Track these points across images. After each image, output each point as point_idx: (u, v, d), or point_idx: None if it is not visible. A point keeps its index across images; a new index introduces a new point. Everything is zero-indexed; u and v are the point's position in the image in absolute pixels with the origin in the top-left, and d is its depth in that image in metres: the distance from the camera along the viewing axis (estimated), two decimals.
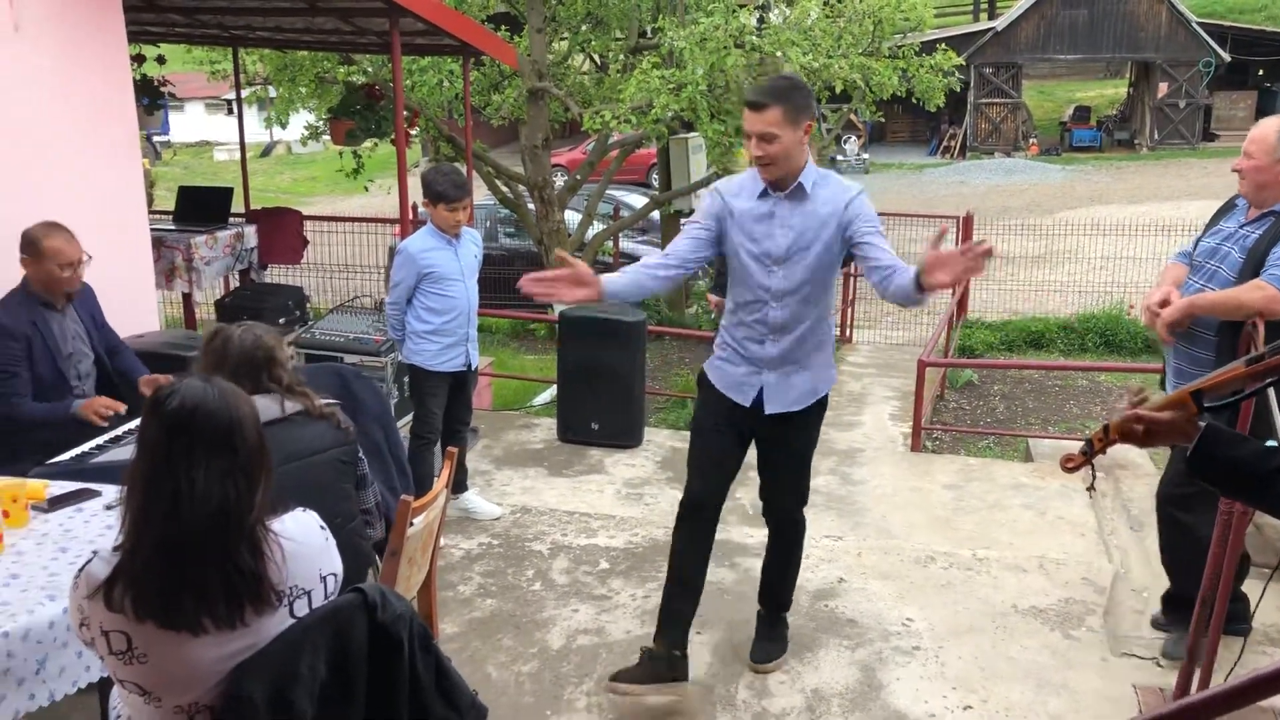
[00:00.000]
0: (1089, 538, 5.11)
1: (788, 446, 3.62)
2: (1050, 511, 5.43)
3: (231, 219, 7.69)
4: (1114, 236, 13.21)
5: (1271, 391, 2.87)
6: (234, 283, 7.90)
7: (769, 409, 3.51)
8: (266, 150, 31.87)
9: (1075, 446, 6.55)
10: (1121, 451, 6.55)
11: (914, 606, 4.31)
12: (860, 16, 9.66)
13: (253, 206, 8.34)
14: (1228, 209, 3.74)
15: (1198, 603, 3.42)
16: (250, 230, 7.67)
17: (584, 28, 10.67)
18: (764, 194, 3.39)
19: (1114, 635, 4.08)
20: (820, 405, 3.61)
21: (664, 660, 3.52)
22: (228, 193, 7.71)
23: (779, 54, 8.47)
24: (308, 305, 7.60)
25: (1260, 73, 28.34)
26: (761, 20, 10.13)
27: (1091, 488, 2.93)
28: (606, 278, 3.30)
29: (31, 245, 3.95)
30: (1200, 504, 3.55)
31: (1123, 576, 4.62)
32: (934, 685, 3.75)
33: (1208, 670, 3.26)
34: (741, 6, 9.13)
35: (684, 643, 3.60)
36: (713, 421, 3.60)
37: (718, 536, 3.90)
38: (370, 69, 9.57)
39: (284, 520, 2.12)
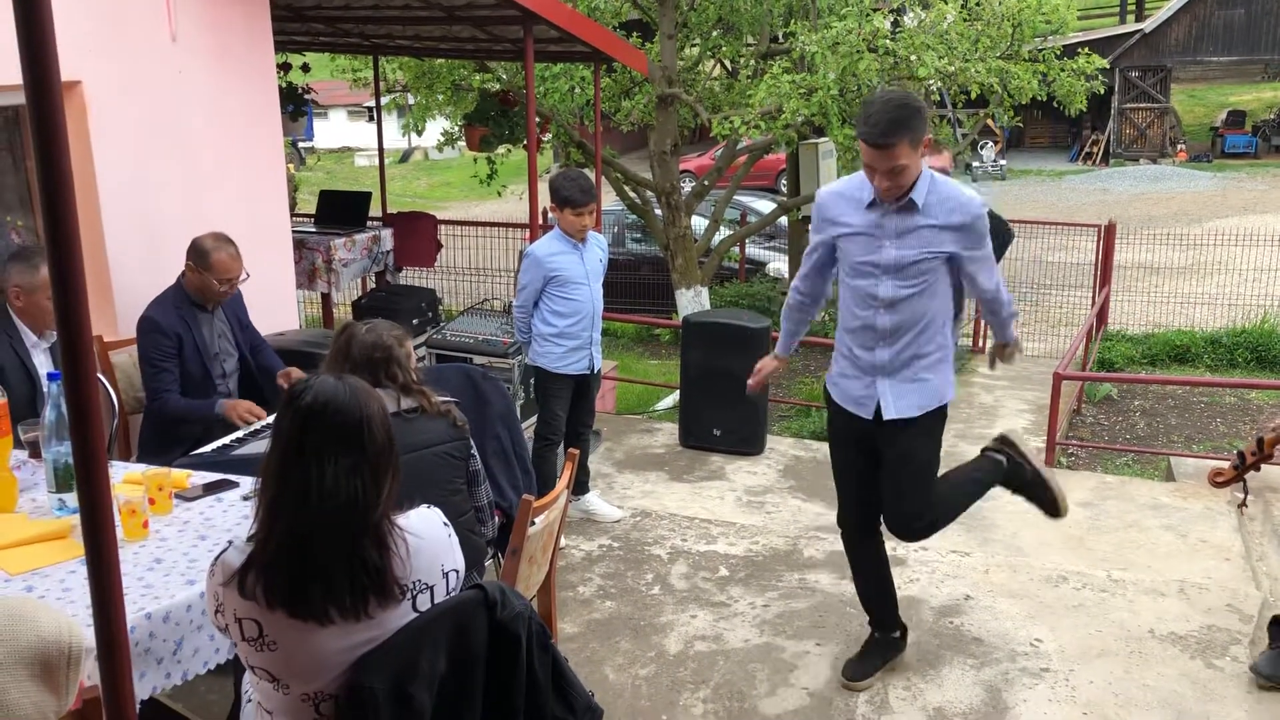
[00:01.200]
0: (1235, 562, 4.86)
1: (902, 452, 3.53)
2: (1193, 534, 5.18)
3: (369, 222, 7.94)
4: (1268, 247, 12.55)
5: None
6: (370, 284, 8.14)
7: (887, 415, 3.48)
8: (405, 156, 32.82)
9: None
10: (1275, 473, 6.22)
11: (1044, 627, 4.16)
12: (999, 19, 9.40)
13: (389, 211, 8.59)
14: None
15: None
16: (386, 233, 7.90)
17: (715, 33, 10.66)
18: (873, 204, 3.35)
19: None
20: (939, 414, 3.55)
21: (883, 643, 3.83)
22: (366, 197, 7.96)
23: (913, 58, 8.31)
24: (440, 307, 7.79)
25: None
26: (896, 24, 9.95)
27: (1243, 505, 2.80)
28: (782, 345, 3.90)
29: (200, 256, 4.10)
30: None
31: (1272, 604, 4.37)
32: (1063, 709, 3.61)
33: None
34: (875, 10, 8.98)
35: (898, 624, 3.87)
36: (842, 438, 3.71)
37: (840, 548, 3.89)
38: (504, 76, 9.75)
39: (409, 516, 2.17)
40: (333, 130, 36.73)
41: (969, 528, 5.26)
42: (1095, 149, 28.36)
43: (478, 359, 5.77)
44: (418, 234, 8.18)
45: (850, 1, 9.00)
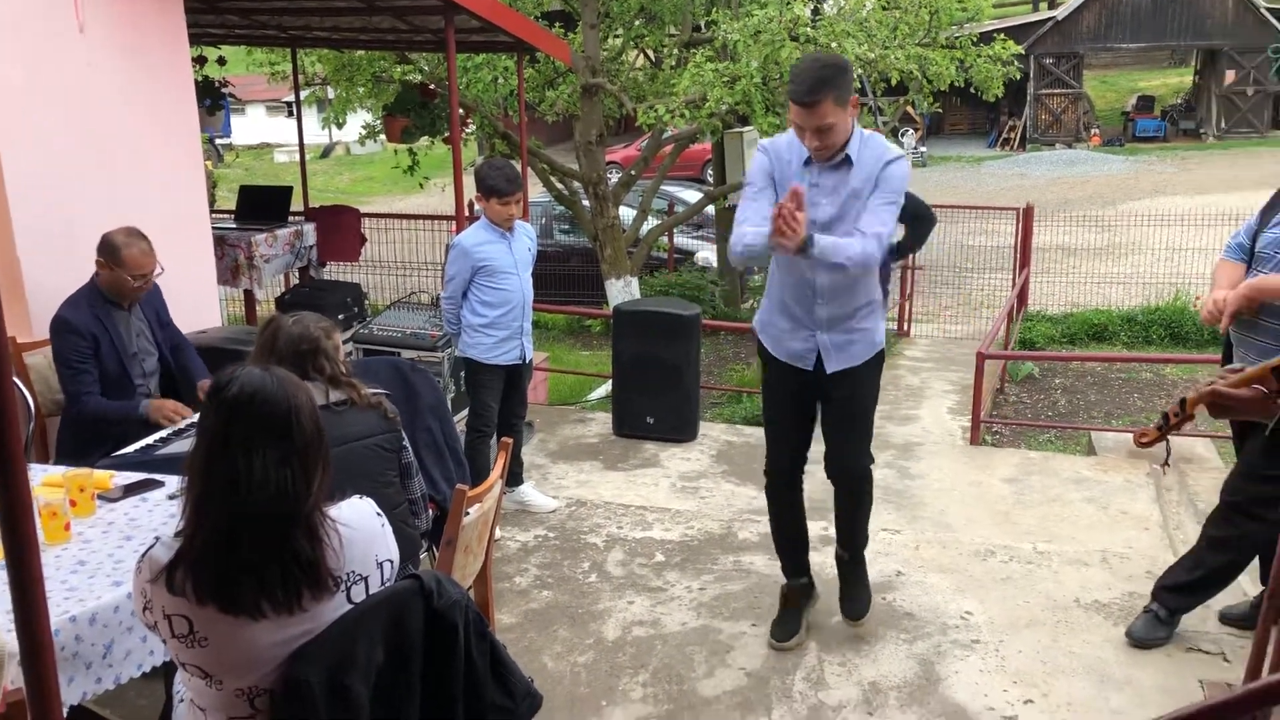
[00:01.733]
0: (1153, 532, 5.01)
1: (847, 401, 3.67)
2: (1113, 506, 5.32)
3: (291, 217, 7.80)
4: (1179, 227, 12.93)
5: None
6: (294, 280, 8.01)
7: (830, 368, 3.58)
8: (326, 152, 32.32)
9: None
10: (1188, 445, 6.42)
11: (973, 600, 4.26)
12: (916, 6, 9.55)
13: (312, 205, 8.46)
14: None
15: (1266, 595, 3.34)
16: (309, 228, 7.78)
17: (637, 23, 10.66)
18: (808, 163, 3.41)
19: (1179, 630, 3.99)
20: (879, 358, 3.68)
21: (797, 592, 3.94)
22: (287, 191, 7.83)
23: (834, 45, 8.39)
24: (365, 302, 7.69)
25: None
26: (816, 11, 10.04)
27: (1166, 464, 2.90)
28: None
29: (111, 252, 3.99)
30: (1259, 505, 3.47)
31: None
32: (994, 679, 3.69)
33: (1278, 663, 3.17)
34: None
35: (807, 570, 3.99)
36: (779, 388, 3.75)
37: (768, 530, 3.94)
38: (426, 67, 9.65)
39: (340, 507, 2.14)
40: (250, 126, 36.02)
41: (898, 506, 5.35)
42: (1012, 135, 28.95)
43: (406, 353, 5.71)
44: (341, 228, 8.07)
45: None
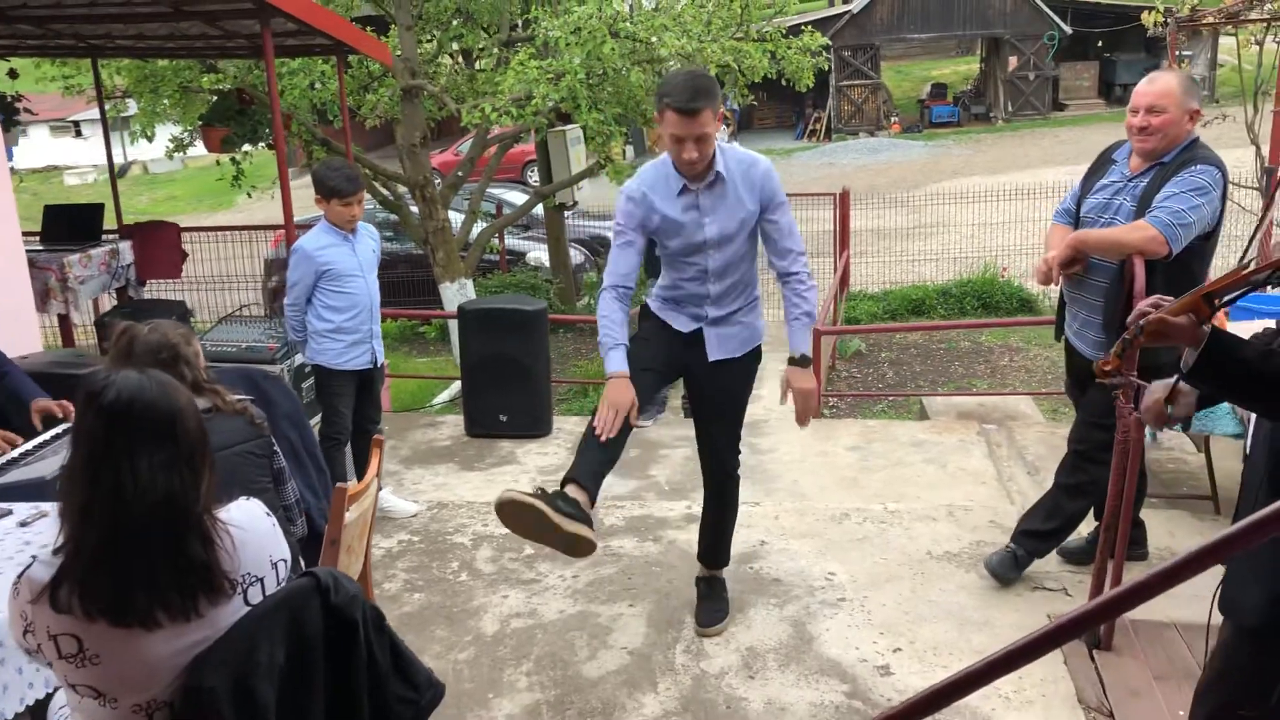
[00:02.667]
0: (990, 485, 5.32)
1: (725, 390, 3.75)
2: (951, 464, 5.63)
3: (105, 236, 7.41)
4: (980, 204, 13.69)
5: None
6: (112, 301, 7.61)
7: (712, 357, 3.65)
8: (121, 171, 30.71)
9: (968, 402, 6.78)
10: (1012, 403, 6.85)
11: (835, 561, 4.44)
12: (727, 1, 9.80)
13: (126, 222, 8.04)
14: (1104, 164, 3.91)
15: (1102, 528, 3.62)
16: (125, 246, 7.41)
17: (454, 23, 10.57)
18: (683, 190, 3.48)
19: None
20: (757, 354, 3.78)
21: (562, 498, 3.20)
22: (98, 209, 7.43)
23: (654, 39, 8.54)
24: (191, 319, 7.38)
25: (1100, 44, 29.67)
26: (633, 7, 10.18)
27: (1122, 393, 3.13)
28: (617, 359, 3.39)
29: None
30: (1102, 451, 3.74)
31: None
32: (862, 633, 3.87)
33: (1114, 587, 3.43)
34: None
35: (593, 495, 3.31)
36: (652, 338, 3.69)
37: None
38: (237, 74, 9.31)
39: (230, 509, 2.09)
40: (34, 149, 33.84)
41: (754, 480, 5.50)
42: (818, 126, 30.01)
43: (244, 368, 5.52)
44: (160, 244, 7.71)
45: None
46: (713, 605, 3.98)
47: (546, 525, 3.11)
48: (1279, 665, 2.27)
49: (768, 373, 8.84)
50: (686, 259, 3.57)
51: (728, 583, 4.11)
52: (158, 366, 2.75)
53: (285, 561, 2.15)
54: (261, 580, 2.07)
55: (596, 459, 3.35)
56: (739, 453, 3.91)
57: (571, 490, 3.25)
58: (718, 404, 3.80)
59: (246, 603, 2.03)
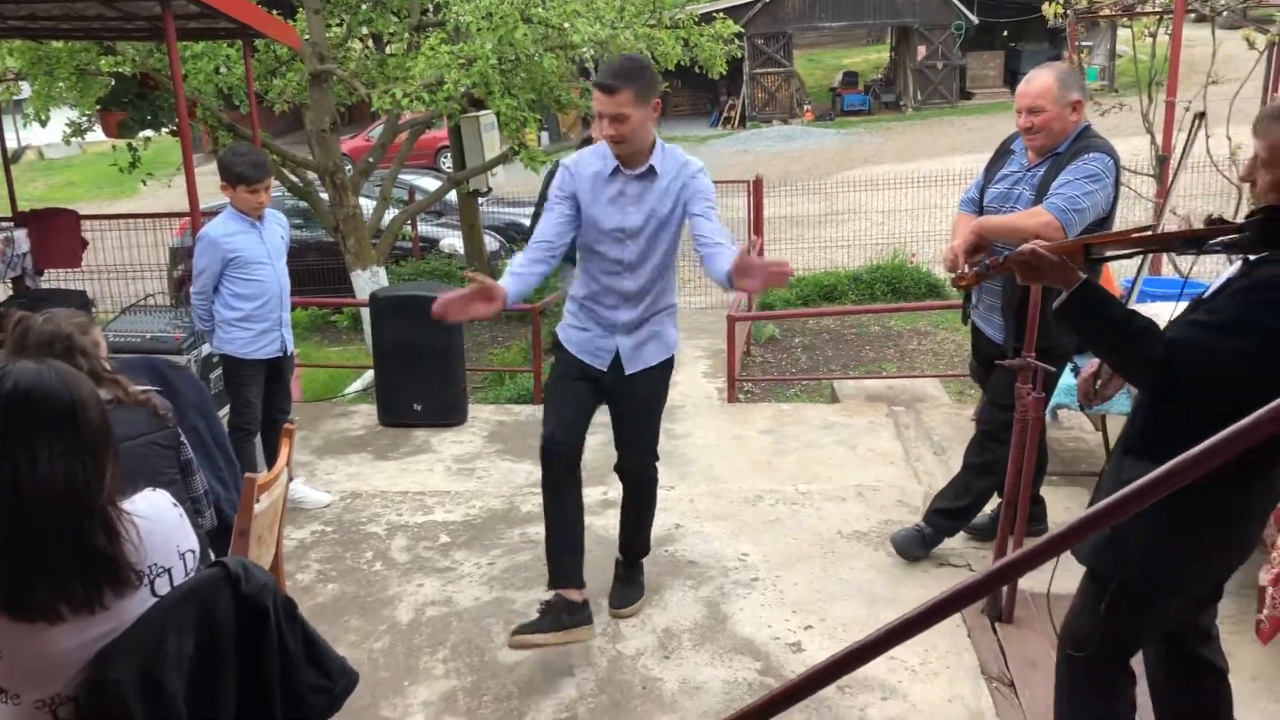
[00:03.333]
0: (898, 465, 5.45)
1: (640, 400, 3.77)
2: (861, 445, 5.75)
3: None
4: (890, 192, 13.96)
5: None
6: (8, 291, 7.37)
7: (628, 370, 3.68)
8: (15, 156, 29.57)
9: (878, 385, 6.91)
10: (920, 386, 7.01)
11: (748, 543, 4.51)
12: None
13: (20, 210, 7.78)
14: (1004, 155, 4.04)
15: (1003, 504, 3.75)
16: (20, 234, 7.19)
17: (364, 7, 10.40)
18: (615, 172, 3.54)
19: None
20: (670, 362, 3.82)
21: (564, 608, 3.56)
22: None
23: (566, 25, 8.52)
24: (93, 309, 7.18)
25: (1005, 34, 30.38)
26: None
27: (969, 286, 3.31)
28: (505, 287, 3.38)
29: None
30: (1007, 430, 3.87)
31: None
32: (775, 611, 3.95)
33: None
34: None
35: (581, 584, 3.67)
36: (568, 375, 3.74)
37: None
38: (137, 58, 9.04)
39: (135, 500, 2.05)
40: None
41: (669, 465, 5.52)
42: (733, 113, 30.24)
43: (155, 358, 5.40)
44: (58, 232, 7.49)
45: None
46: (626, 588, 4.03)
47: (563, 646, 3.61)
48: (1098, 605, 2.50)
49: (685, 359, 8.96)
50: (604, 247, 3.58)
51: (645, 566, 4.15)
52: (52, 358, 2.69)
53: (194, 552, 2.12)
54: (169, 571, 2.04)
55: (568, 544, 3.70)
56: (657, 455, 3.92)
57: (570, 594, 3.61)
58: (635, 413, 3.81)
59: (154, 594, 2.00)
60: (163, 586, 2.02)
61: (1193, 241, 2.31)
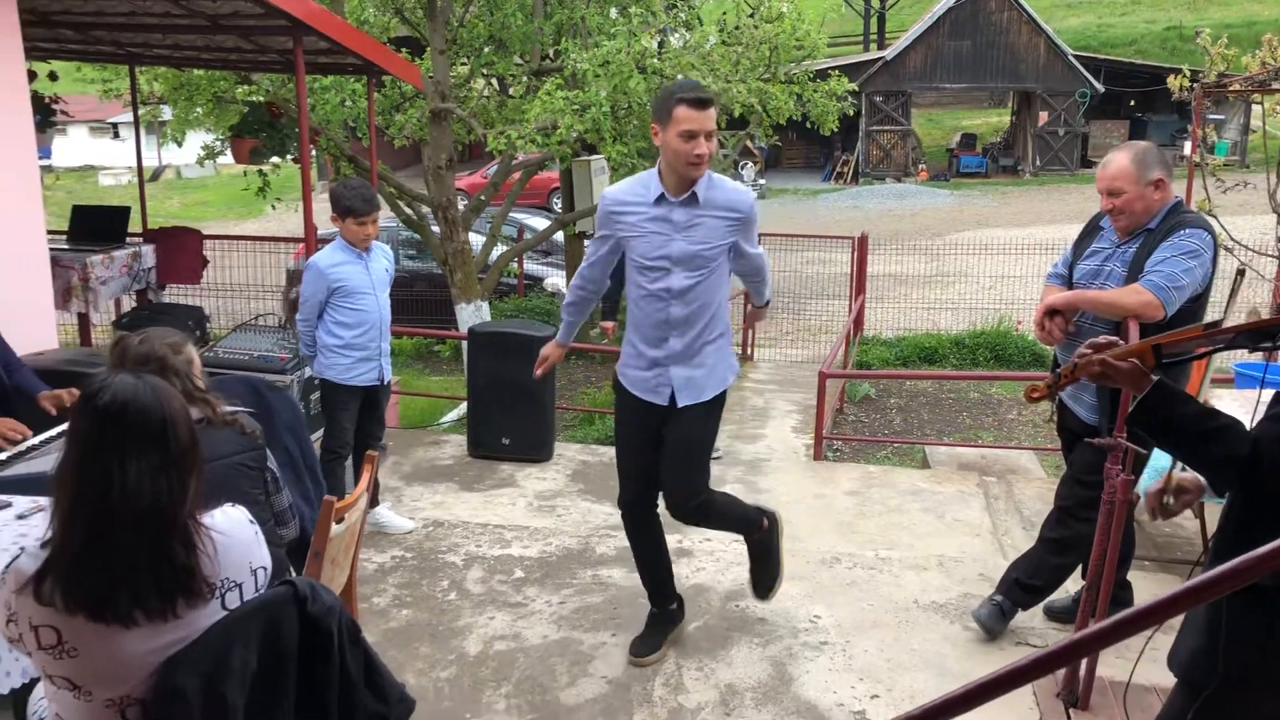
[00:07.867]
0: (984, 538, 5.33)
1: (688, 432, 3.75)
2: (948, 514, 5.64)
3: (129, 239, 7.55)
4: (1001, 257, 13.74)
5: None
6: (131, 303, 7.74)
7: (681, 402, 3.71)
8: (155, 175, 31.09)
9: (971, 454, 6.79)
10: (1015, 457, 6.85)
11: (821, 604, 4.46)
12: (756, 43, 9.92)
13: (150, 226, 8.19)
14: (1093, 231, 3.96)
15: (1084, 588, 3.64)
16: (148, 250, 7.55)
17: (486, 50, 10.73)
18: (660, 199, 3.57)
19: (1010, 626, 4.27)
20: (721, 399, 3.81)
21: (663, 616, 4.05)
22: (124, 212, 7.57)
23: (679, 77, 8.64)
24: (208, 325, 7.50)
25: (1132, 103, 29.77)
26: (662, 45, 10.32)
27: (1051, 419, 3.22)
28: (563, 334, 4.12)
29: None
30: (1086, 509, 3.77)
31: None
32: (842, 677, 3.89)
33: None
34: (643, 31, 9.30)
35: (674, 595, 4.12)
36: (631, 423, 3.85)
37: (626, 544, 4.05)
38: (270, 88, 9.48)
39: (214, 515, 2.15)
40: (72, 148, 34.43)
41: None
42: (845, 169, 30.17)
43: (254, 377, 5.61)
44: (182, 250, 7.85)
45: (619, 22, 9.28)
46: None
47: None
48: (1202, 716, 2.32)
49: (775, 412, 8.93)
50: (650, 276, 3.62)
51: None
52: None
53: (265, 569, 2.21)
54: (240, 586, 2.12)
55: (659, 575, 4.08)
56: (699, 492, 3.84)
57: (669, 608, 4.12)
58: (678, 451, 3.77)
59: (224, 607, 2.09)
60: (233, 600, 2.10)
61: (1266, 334, 2.23)
